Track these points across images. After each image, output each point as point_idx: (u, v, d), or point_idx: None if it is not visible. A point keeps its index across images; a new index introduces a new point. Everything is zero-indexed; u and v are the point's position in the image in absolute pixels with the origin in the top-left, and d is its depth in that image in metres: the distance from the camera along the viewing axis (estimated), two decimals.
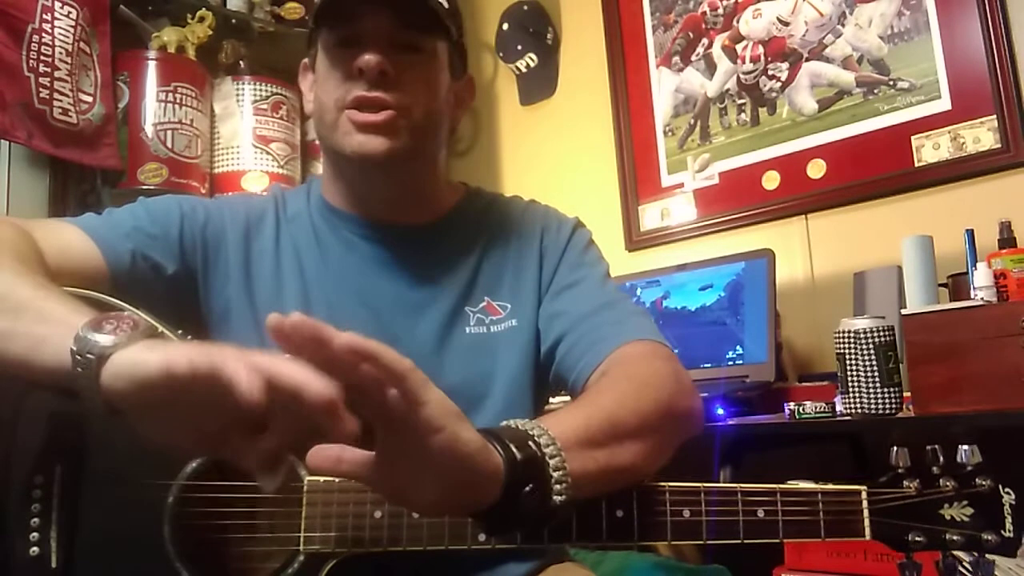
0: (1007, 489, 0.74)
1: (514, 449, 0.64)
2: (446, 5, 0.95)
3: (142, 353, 0.60)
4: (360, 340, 0.56)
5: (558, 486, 0.66)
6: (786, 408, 1.58)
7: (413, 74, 0.94)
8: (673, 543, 2.05)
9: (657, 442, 0.79)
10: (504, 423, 0.70)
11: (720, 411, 1.68)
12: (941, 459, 0.76)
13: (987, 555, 0.75)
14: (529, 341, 0.98)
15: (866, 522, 0.75)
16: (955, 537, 0.75)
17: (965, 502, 0.75)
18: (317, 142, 2.47)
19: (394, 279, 0.98)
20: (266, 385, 0.54)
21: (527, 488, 0.64)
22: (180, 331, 0.83)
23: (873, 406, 1.41)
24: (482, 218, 1.05)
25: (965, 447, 0.76)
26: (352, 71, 0.91)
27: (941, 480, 0.75)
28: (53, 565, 0.74)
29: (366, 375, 0.56)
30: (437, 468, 0.60)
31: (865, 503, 0.76)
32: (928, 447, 0.76)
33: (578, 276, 1.01)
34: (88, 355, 0.62)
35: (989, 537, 0.74)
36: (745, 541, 0.75)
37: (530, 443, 0.65)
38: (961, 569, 0.77)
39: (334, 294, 0.97)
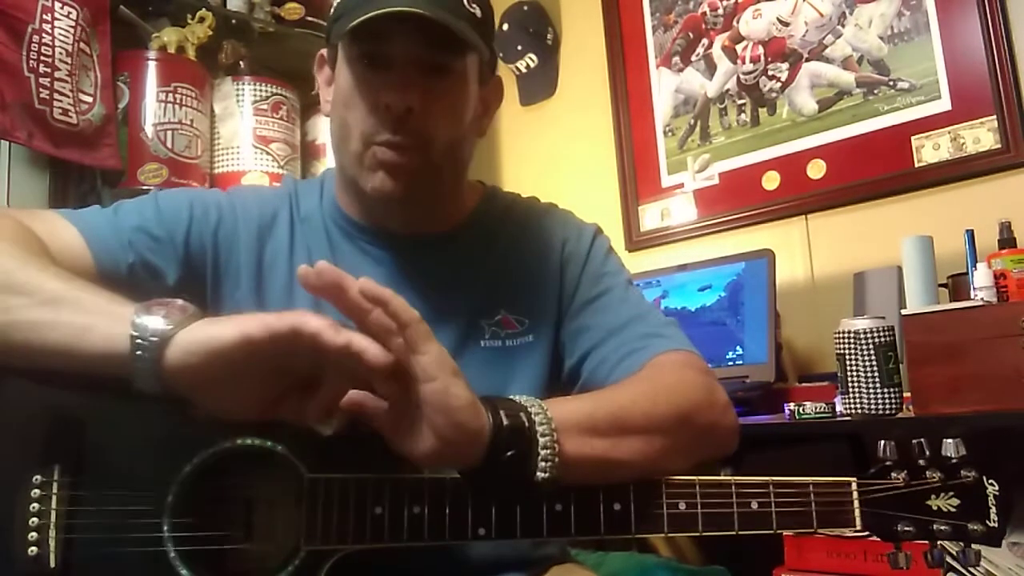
0: (991, 480, 0.76)
1: (502, 415, 0.69)
2: (479, 15, 0.89)
3: (211, 327, 0.67)
4: (374, 287, 0.65)
5: (544, 463, 0.70)
6: (786, 408, 1.58)
7: (441, 102, 0.89)
8: (671, 540, 2.06)
9: (666, 446, 0.79)
10: (508, 396, 0.74)
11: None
12: (927, 452, 0.78)
13: (973, 544, 0.77)
14: (545, 357, 0.97)
15: (856, 512, 0.77)
16: (942, 527, 0.76)
17: (951, 493, 0.77)
18: (318, 143, 2.48)
19: (409, 291, 0.95)
20: (348, 342, 0.64)
21: (508, 454, 0.68)
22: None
23: (873, 406, 1.41)
24: (500, 225, 1.02)
25: (949, 440, 0.77)
26: (379, 103, 0.87)
27: (927, 472, 0.77)
28: (52, 565, 0.73)
29: (376, 321, 0.65)
30: (429, 417, 0.66)
31: (855, 494, 0.77)
32: (914, 440, 0.78)
33: (601, 288, 0.98)
34: (150, 338, 0.67)
35: (975, 527, 0.76)
36: (740, 532, 0.76)
37: (521, 414, 0.70)
38: (949, 560, 0.78)
39: None
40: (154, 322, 0.68)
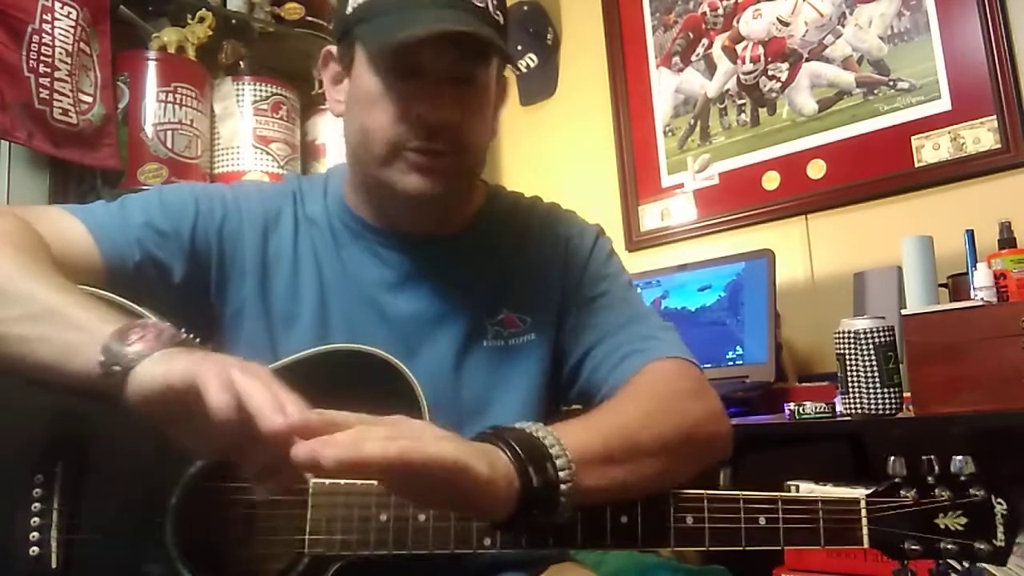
0: (999, 499, 0.76)
1: (532, 473, 0.67)
2: (502, 21, 0.89)
3: (155, 366, 0.63)
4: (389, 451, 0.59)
5: (563, 510, 0.69)
6: (786, 408, 1.58)
7: (471, 111, 0.90)
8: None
9: (674, 464, 0.79)
10: (523, 428, 0.72)
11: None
12: (936, 469, 0.77)
13: (979, 564, 0.77)
14: (546, 355, 0.97)
15: (864, 530, 0.77)
16: (949, 546, 0.76)
17: (959, 512, 0.76)
18: (318, 143, 2.47)
19: (415, 292, 0.96)
20: (236, 405, 0.58)
21: (535, 511, 0.68)
22: (184, 329, 0.83)
23: (873, 406, 1.41)
24: (504, 225, 1.02)
25: (959, 458, 0.77)
26: (410, 113, 0.86)
27: (936, 490, 0.77)
28: (53, 565, 0.73)
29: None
30: (444, 495, 0.64)
31: (864, 512, 0.77)
32: (924, 457, 0.78)
33: (602, 288, 0.98)
34: (115, 367, 0.64)
35: (981, 546, 0.76)
36: (747, 548, 0.76)
37: (547, 464, 0.68)
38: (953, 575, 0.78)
39: (352, 306, 0.94)
40: (122, 349, 0.65)
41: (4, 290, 0.73)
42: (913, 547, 0.76)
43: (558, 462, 0.69)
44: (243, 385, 0.59)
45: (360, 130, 0.90)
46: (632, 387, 0.87)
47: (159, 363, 0.63)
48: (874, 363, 1.42)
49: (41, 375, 0.70)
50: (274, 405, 0.58)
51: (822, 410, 1.53)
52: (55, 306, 0.71)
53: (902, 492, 0.77)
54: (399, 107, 0.87)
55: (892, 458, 0.78)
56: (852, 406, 1.44)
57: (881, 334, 1.43)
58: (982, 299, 1.46)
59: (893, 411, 1.42)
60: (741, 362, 1.92)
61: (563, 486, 0.68)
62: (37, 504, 0.74)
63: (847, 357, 1.45)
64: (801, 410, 1.54)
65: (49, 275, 0.75)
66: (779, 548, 0.76)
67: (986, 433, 1.40)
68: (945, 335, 1.38)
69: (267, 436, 0.58)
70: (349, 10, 0.90)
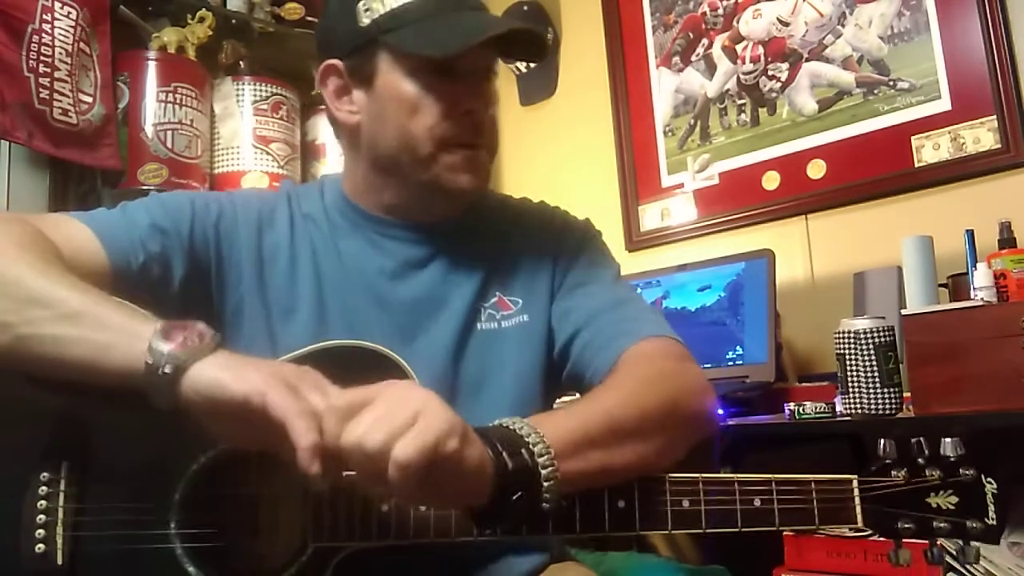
0: (989, 479, 0.77)
1: (506, 457, 0.68)
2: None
3: (221, 373, 0.67)
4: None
5: (547, 495, 0.70)
6: (786, 408, 1.58)
7: (493, 102, 0.97)
8: (673, 537, 2.06)
9: (660, 442, 0.80)
10: (500, 422, 0.73)
11: (720, 411, 1.68)
12: (926, 450, 0.79)
13: (972, 542, 0.78)
14: (540, 337, 0.99)
15: (857, 509, 0.78)
16: (942, 524, 0.77)
17: (950, 491, 0.77)
18: (318, 142, 2.48)
19: (412, 280, 0.98)
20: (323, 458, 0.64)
21: (516, 496, 0.68)
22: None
23: (873, 406, 1.41)
24: (496, 216, 1.06)
25: (948, 439, 0.78)
26: (458, 110, 0.92)
27: (927, 470, 0.78)
28: (59, 562, 0.74)
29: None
30: (432, 477, 0.64)
31: (856, 491, 0.78)
32: (914, 439, 0.79)
33: (591, 275, 1.01)
34: (165, 367, 0.68)
35: (973, 524, 0.77)
36: (743, 529, 0.77)
37: (523, 451, 0.70)
38: (948, 560, 0.79)
39: (350, 297, 0.96)
40: (170, 350, 0.68)
41: (31, 292, 0.74)
42: (906, 525, 0.77)
43: (535, 448, 0.70)
44: (325, 420, 0.64)
45: (400, 134, 0.93)
46: (616, 370, 0.89)
47: (224, 371, 0.67)
48: (874, 363, 1.42)
49: (75, 374, 0.72)
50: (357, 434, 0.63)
51: (822, 410, 1.53)
52: (83, 307, 0.73)
53: (893, 473, 0.78)
54: (444, 105, 0.92)
55: (883, 440, 0.80)
56: (852, 406, 1.44)
57: (881, 334, 1.43)
58: (982, 299, 1.47)
59: (893, 411, 1.42)
60: (741, 362, 1.92)
61: (543, 470, 0.70)
62: (42, 502, 0.75)
63: (847, 357, 1.45)
64: (801, 410, 1.54)
65: (69, 277, 0.77)
66: (775, 529, 0.77)
67: (986, 433, 1.40)
68: (945, 335, 1.38)
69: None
70: (366, 22, 0.92)
